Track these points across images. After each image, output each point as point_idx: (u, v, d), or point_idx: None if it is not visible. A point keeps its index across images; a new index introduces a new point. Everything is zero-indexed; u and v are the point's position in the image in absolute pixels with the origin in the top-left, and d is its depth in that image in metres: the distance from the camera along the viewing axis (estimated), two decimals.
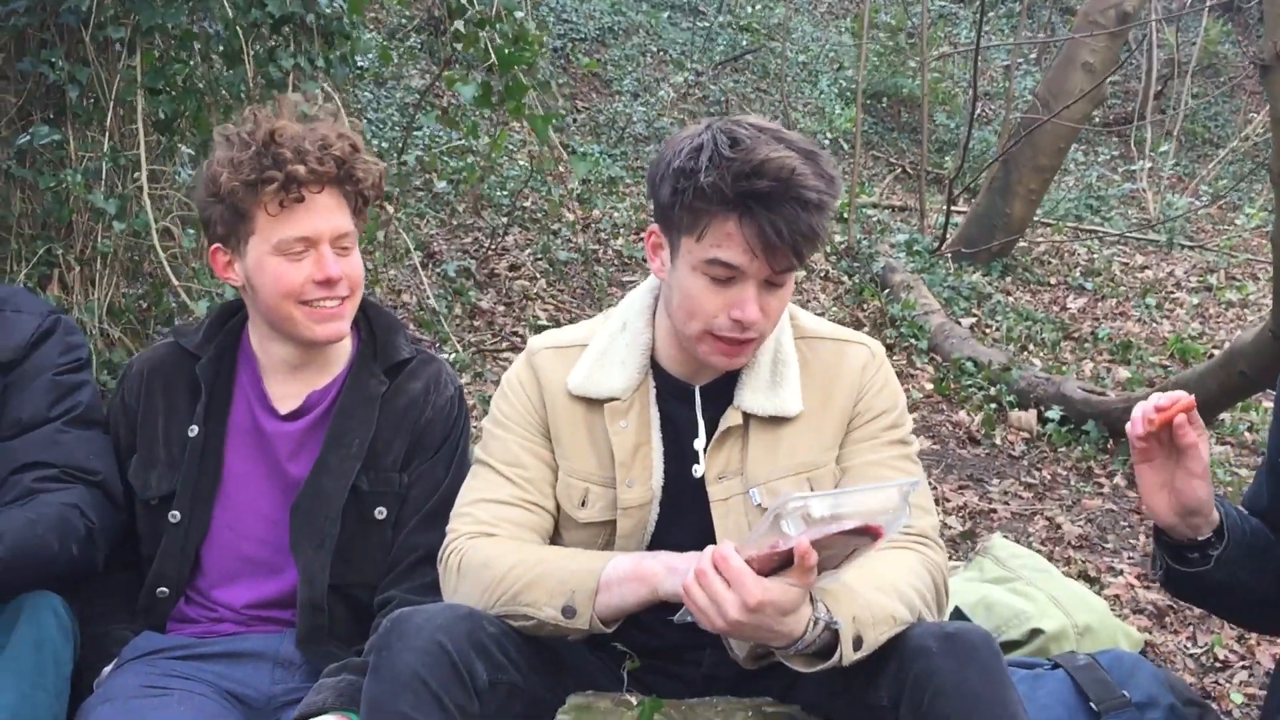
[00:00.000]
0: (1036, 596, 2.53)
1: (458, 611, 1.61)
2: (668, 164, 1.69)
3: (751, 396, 1.78)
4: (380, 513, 1.96)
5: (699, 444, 1.79)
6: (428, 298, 5.24)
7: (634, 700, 1.69)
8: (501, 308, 5.63)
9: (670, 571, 1.60)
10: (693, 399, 1.81)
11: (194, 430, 1.95)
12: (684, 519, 1.78)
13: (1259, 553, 1.80)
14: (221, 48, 3.54)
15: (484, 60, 3.58)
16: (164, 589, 1.94)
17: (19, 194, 3.56)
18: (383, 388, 1.99)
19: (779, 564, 1.48)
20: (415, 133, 7.34)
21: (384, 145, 6.87)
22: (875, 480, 1.75)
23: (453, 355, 4.72)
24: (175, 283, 3.55)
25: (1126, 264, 7.67)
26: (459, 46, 3.40)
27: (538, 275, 6.02)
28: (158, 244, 3.51)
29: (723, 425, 1.79)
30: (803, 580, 1.47)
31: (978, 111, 8.00)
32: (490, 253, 6.13)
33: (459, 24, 3.18)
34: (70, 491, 1.83)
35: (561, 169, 6.16)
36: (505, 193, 6.88)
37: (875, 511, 1.49)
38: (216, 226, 1.92)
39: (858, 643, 1.55)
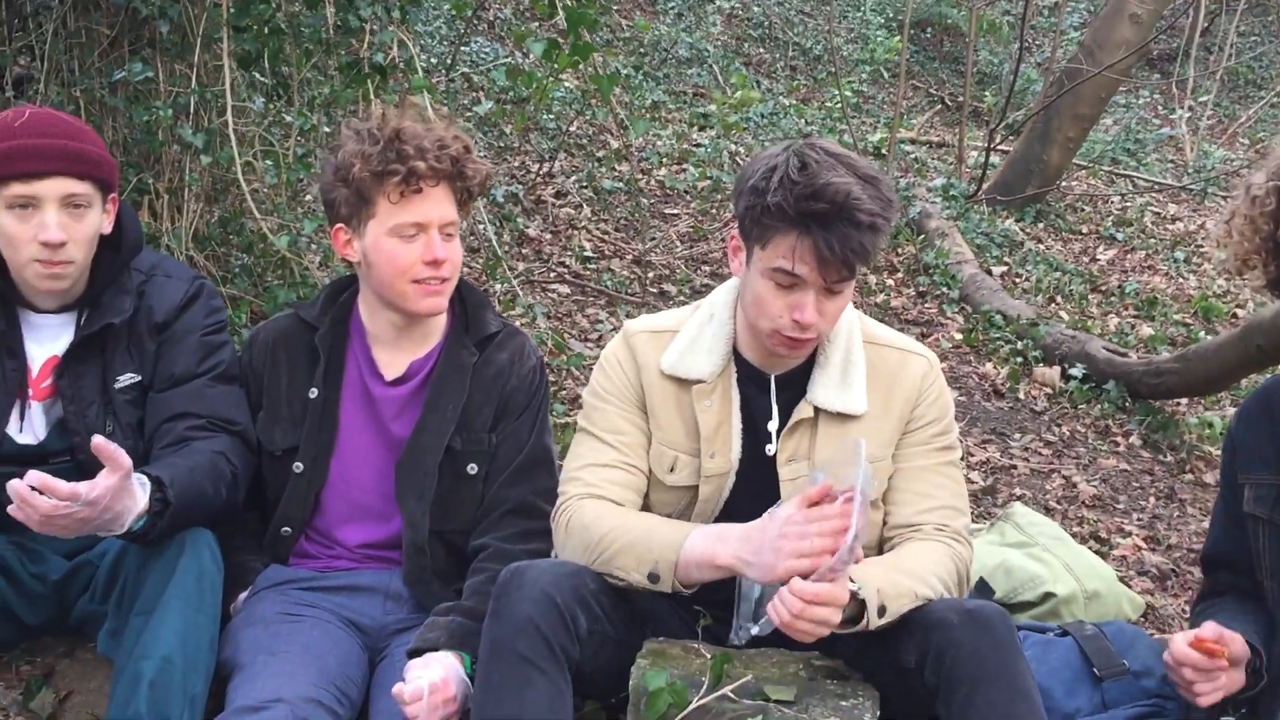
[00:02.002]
0: (1051, 562, 2.79)
1: (566, 569, 1.89)
2: (746, 181, 1.94)
3: (824, 393, 2.03)
4: (472, 469, 2.21)
5: (772, 426, 2.04)
6: (479, 223, 5.42)
7: (704, 650, 1.95)
8: (548, 235, 5.80)
9: (745, 564, 1.83)
10: (768, 386, 2.05)
11: (314, 392, 2.20)
12: (754, 490, 2.04)
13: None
14: None
15: (549, 16, 3.73)
16: (288, 529, 2.22)
17: (110, 123, 3.76)
18: (474, 358, 2.23)
19: None
20: (463, 49, 7.43)
21: (432, 61, 6.97)
22: (924, 483, 2.02)
23: (503, 284, 4.92)
24: (257, 215, 3.76)
25: (1159, 214, 7.77)
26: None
27: (582, 204, 6.18)
28: (241, 177, 3.71)
29: (795, 416, 2.04)
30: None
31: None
32: (537, 179, 6.27)
33: None
34: (217, 440, 2.10)
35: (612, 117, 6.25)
36: (552, 115, 6.99)
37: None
38: (340, 208, 2.14)
39: (881, 611, 1.84)
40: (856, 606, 1.83)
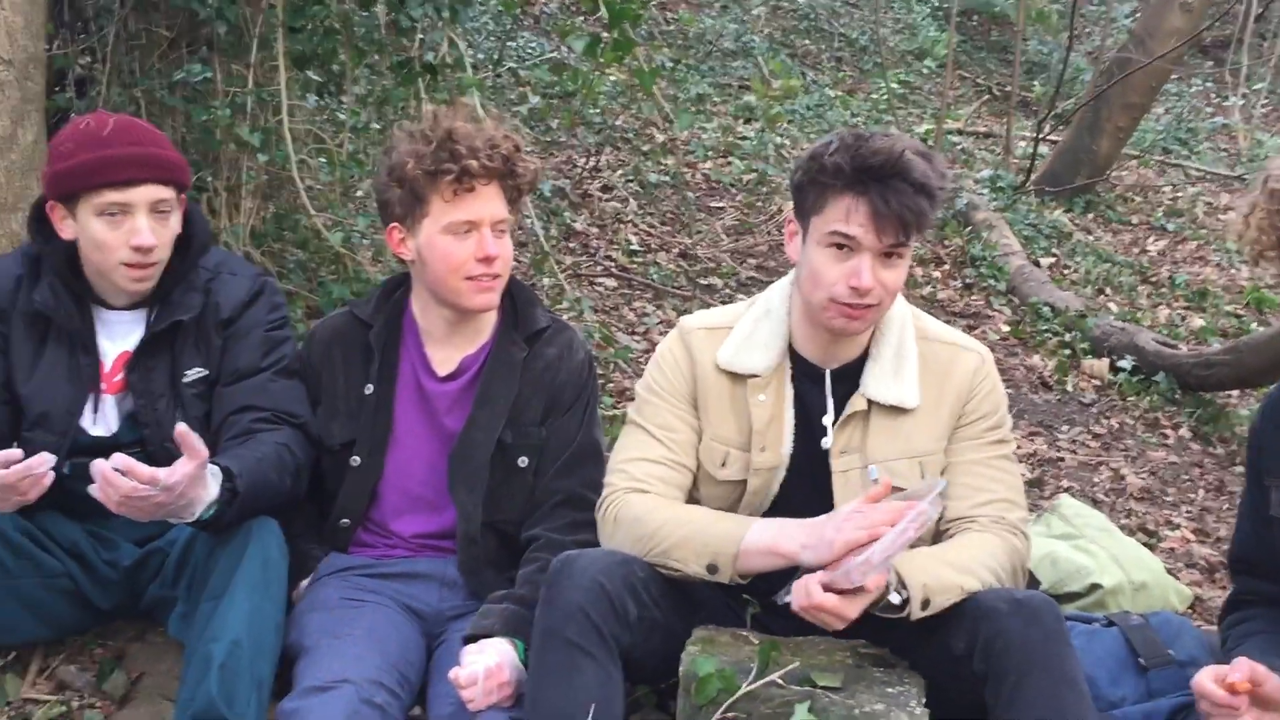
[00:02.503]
0: (1098, 554, 2.80)
1: (615, 558, 1.93)
2: (805, 157, 2.00)
3: (876, 385, 2.06)
4: (522, 462, 2.26)
5: (828, 420, 2.08)
6: (526, 218, 5.48)
7: (753, 638, 2.00)
8: (595, 230, 5.85)
9: (805, 549, 1.88)
10: (823, 380, 2.09)
11: (369, 388, 2.27)
12: (806, 483, 2.08)
13: None
14: None
15: (592, 12, 3.77)
16: (346, 520, 2.29)
17: (170, 122, 3.86)
18: (523, 354, 2.29)
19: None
20: (509, 44, 7.49)
21: (479, 56, 7.04)
22: (978, 476, 2.05)
23: (550, 278, 4.98)
24: (311, 212, 3.85)
25: (1211, 204, 7.68)
26: None
27: (629, 197, 6.22)
28: (296, 175, 3.80)
29: (849, 409, 2.07)
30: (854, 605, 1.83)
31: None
32: (583, 173, 6.32)
33: None
34: (281, 432, 2.17)
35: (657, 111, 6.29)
36: (597, 110, 7.04)
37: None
38: (395, 208, 2.20)
39: (925, 604, 1.88)
40: (899, 599, 1.87)
